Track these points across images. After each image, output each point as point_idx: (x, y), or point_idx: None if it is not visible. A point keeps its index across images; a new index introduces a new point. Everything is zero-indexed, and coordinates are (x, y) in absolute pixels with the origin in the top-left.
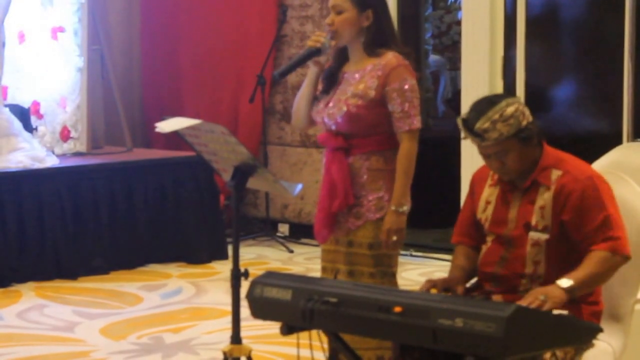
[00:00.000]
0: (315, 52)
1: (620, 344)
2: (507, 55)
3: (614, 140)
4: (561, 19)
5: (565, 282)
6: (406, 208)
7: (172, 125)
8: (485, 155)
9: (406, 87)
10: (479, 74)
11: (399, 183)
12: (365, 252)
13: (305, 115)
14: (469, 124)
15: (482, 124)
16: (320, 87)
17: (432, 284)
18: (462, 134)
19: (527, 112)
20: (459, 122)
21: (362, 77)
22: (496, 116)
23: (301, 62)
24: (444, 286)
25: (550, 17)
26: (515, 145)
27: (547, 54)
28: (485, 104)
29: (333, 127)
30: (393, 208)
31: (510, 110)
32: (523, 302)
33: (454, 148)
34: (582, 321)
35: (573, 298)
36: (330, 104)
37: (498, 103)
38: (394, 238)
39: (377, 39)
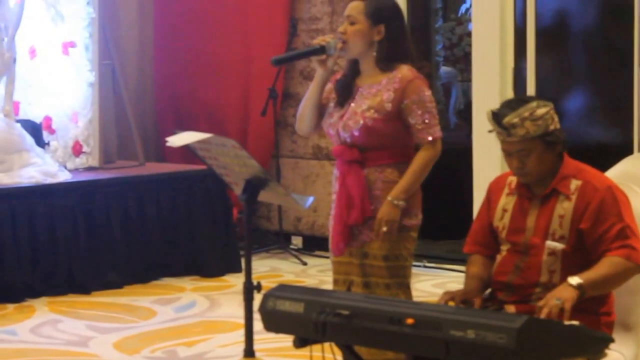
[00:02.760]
0: (319, 50)
1: (632, 353)
2: (518, 67)
3: (625, 150)
4: (571, 29)
5: (574, 280)
6: (402, 203)
7: (183, 139)
8: (507, 152)
9: (425, 98)
10: (489, 86)
11: (406, 179)
12: (380, 264)
13: (311, 119)
14: (498, 117)
15: (511, 119)
16: (333, 97)
17: (450, 296)
18: (490, 127)
19: (556, 118)
20: (488, 114)
21: (378, 90)
22: (526, 114)
23: (302, 55)
24: (462, 298)
25: (560, 28)
26: (539, 147)
27: (557, 65)
28: (517, 102)
29: (348, 140)
30: (389, 199)
31: (541, 111)
32: (542, 315)
33: (467, 159)
34: (594, 331)
35: (583, 297)
36: (346, 117)
37: (530, 102)
38: (384, 229)
39: (389, 55)
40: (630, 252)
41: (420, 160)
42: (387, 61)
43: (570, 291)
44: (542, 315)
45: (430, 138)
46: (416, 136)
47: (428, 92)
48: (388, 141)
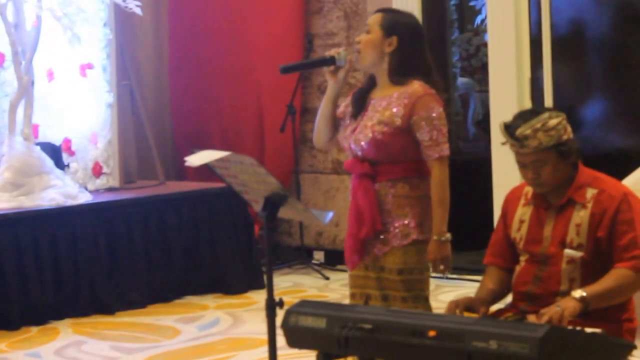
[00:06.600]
0: (328, 60)
1: None
2: (534, 76)
3: None
4: (587, 38)
5: (577, 293)
6: (448, 236)
7: (201, 158)
8: (521, 164)
9: (434, 115)
10: (507, 96)
11: (437, 212)
12: (395, 278)
13: (325, 133)
14: (510, 129)
15: (523, 130)
16: (349, 110)
17: (454, 304)
18: (502, 139)
19: (569, 128)
20: (501, 126)
21: (388, 104)
22: (538, 125)
23: (311, 65)
24: (467, 305)
25: (575, 36)
26: (553, 157)
27: (574, 74)
28: (529, 114)
29: (359, 153)
30: (435, 238)
31: (553, 122)
32: (544, 318)
33: (486, 169)
34: (616, 338)
35: (587, 309)
36: (357, 130)
37: (542, 113)
38: (441, 267)
39: (401, 68)
40: (638, 263)
41: (439, 187)
42: (399, 74)
43: (573, 303)
44: (543, 320)
45: (437, 155)
46: (424, 153)
47: (438, 109)
48: (398, 155)
